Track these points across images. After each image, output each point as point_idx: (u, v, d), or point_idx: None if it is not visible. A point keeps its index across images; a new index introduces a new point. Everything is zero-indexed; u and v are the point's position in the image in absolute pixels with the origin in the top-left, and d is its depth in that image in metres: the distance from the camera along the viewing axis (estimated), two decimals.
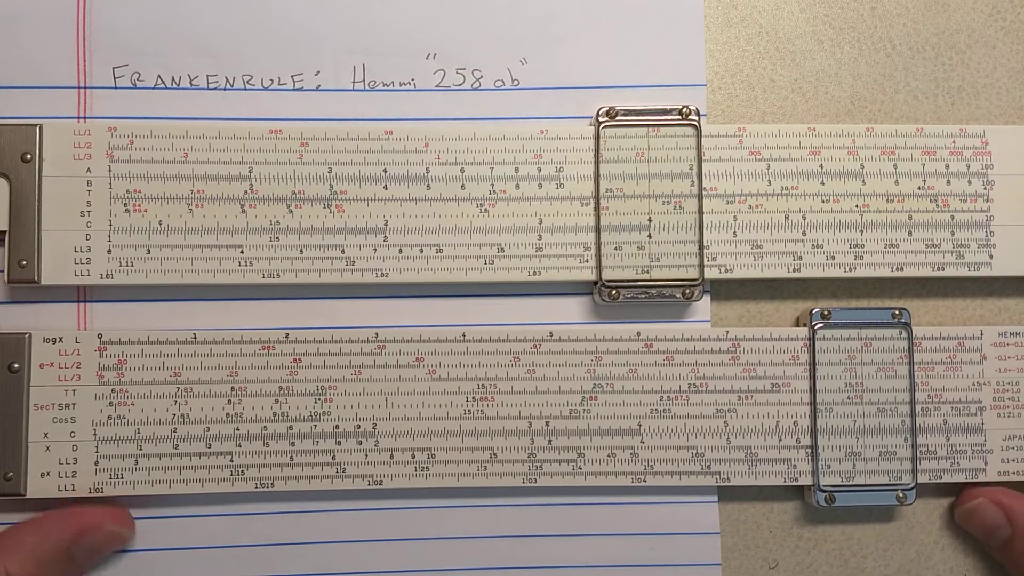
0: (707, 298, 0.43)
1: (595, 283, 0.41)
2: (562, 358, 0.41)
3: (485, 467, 0.41)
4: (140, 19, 0.42)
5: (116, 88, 0.42)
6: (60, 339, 0.40)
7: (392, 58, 0.43)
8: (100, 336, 0.40)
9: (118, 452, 0.40)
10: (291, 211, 0.41)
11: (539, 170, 0.41)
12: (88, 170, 0.40)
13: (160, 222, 0.40)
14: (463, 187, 0.41)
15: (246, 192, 0.41)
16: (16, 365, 0.40)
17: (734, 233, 0.41)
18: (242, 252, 0.40)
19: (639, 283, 0.41)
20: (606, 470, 0.41)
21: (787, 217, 0.42)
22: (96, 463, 0.40)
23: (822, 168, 0.42)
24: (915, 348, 0.42)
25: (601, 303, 0.42)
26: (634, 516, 0.42)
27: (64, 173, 0.40)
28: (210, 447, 0.40)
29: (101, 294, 0.41)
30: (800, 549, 0.43)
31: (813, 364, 0.41)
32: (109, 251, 0.40)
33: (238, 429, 0.40)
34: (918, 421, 0.41)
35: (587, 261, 0.41)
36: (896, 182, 0.42)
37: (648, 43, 0.43)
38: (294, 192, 0.41)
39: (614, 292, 0.41)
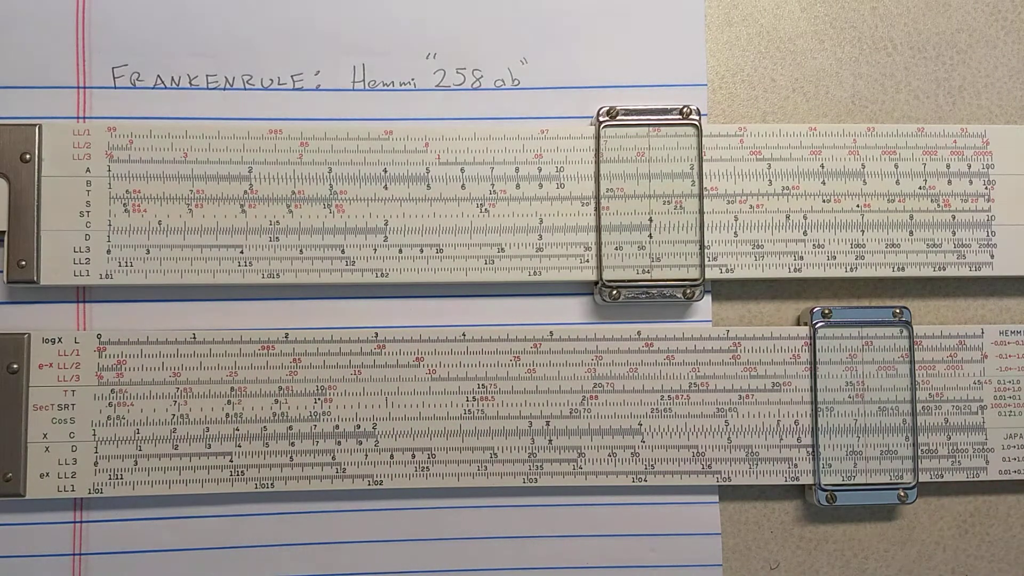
0: (708, 298, 0.43)
1: (596, 283, 0.41)
2: (563, 357, 0.41)
3: (485, 467, 0.41)
4: (139, 19, 0.42)
5: (115, 88, 0.42)
6: (59, 339, 0.40)
7: (392, 58, 0.43)
8: (99, 336, 0.40)
9: (117, 452, 0.40)
10: (291, 211, 0.41)
11: (539, 170, 0.41)
12: (87, 170, 0.40)
13: (160, 222, 0.40)
14: (463, 187, 0.41)
15: (246, 192, 0.40)
16: (15, 366, 0.39)
17: (735, 233, 0.41)
18: (242, 252, 0.40)
19: (640, 283, 0.41)
20: (607, 470, 0.41)
21: (788, 217, 0.42)
22: (95, 463, 0.39)
23: (823, 168, 0.42)
24: (916, 347, 0.42)
25: (602, 303, 0.42)
26: (635, 517, 0.42)
27: (63, 173, 0.40)
28: (210, 447, 0.40)
29: (100, 294, 0.41)
30: (801, 549, 0.43)
31: (814, 363, 0.41)
32: (108, 251, 0.40)
33: (238, 429, 0.40)
34: (919, 420, 0.41)
35: (588, 261, 0.41)
36: (897, 182, 0.42)
37: (649, 43, 0.43)
38: (294, 192, 0.41)
39: (615, 292, 0.41)
